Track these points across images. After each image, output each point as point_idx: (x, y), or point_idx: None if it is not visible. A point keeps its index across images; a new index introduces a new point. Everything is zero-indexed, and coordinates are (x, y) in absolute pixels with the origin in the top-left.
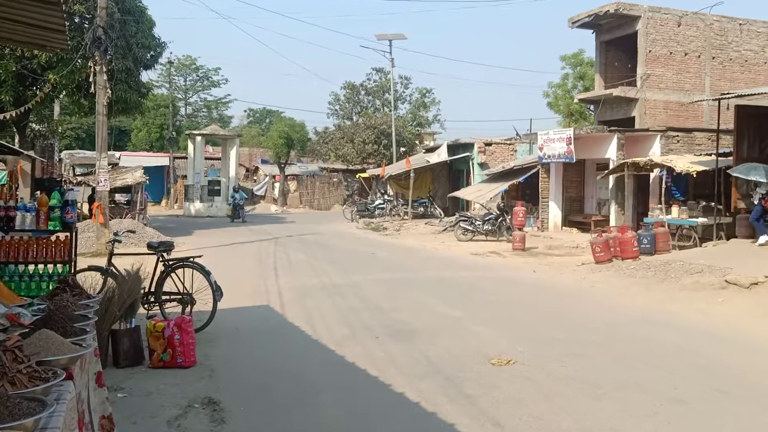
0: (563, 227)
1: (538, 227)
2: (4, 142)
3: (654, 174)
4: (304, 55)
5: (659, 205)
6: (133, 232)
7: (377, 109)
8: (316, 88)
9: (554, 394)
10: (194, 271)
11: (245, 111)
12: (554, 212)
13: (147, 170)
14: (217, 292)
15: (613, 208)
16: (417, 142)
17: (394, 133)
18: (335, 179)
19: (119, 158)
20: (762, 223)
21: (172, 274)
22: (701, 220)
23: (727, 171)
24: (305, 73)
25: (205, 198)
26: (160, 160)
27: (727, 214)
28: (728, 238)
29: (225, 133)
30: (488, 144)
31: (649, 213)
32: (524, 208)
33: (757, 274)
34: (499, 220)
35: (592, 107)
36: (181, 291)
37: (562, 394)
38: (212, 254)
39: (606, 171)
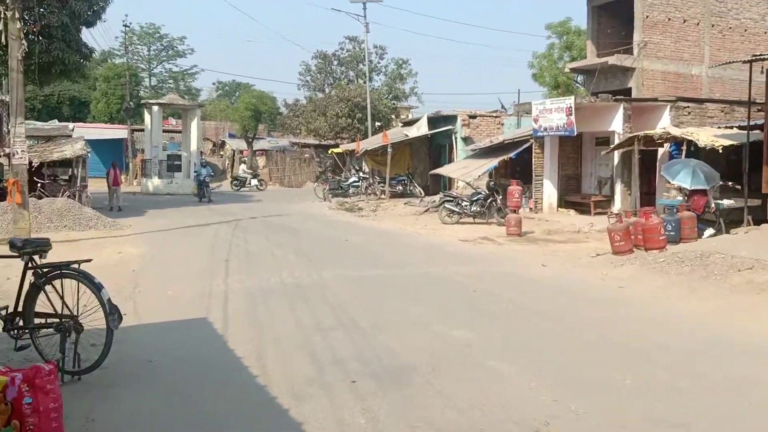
0: (559, 208)
1: (530, 208)
2: None
3: (663, 150)
4: (273, 20)
5: (674, 185)
6: None
7: (351, 80)
8: (287, 58)
9: None
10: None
11: (214, 84)
12: (549, 192)
13: (104, 144)
14: (112, 316)
15: (619, 188)
16: (393, 116)
17: (369, 106)
18: (307, 155)
19: (72, 130)
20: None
21: (48, 287)
22: (727, 202)
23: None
24: (275, 42)
25: (164, 174)
26: (118, 132)
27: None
28: (757, 223)
29: (185, 103)
30: (473, 117)
31: (663, 194)
32: (520, 187)
33: None
34: (489, 201)
35: (580, 79)
36: (61, 312)
37: None
38: (157, 241)
39: (612, 146)
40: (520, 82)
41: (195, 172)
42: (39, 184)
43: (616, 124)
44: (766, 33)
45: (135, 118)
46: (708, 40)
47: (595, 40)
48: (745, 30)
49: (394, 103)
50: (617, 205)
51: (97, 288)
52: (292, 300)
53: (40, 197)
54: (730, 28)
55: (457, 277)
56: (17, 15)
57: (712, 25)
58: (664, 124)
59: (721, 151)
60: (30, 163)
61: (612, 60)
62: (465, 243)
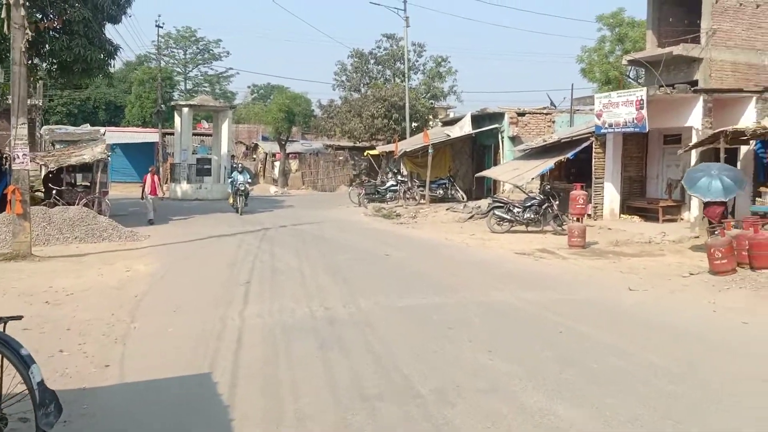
0: (621, 215)
1: (589, 215)
2: None
3: (748, 148)
4: (309, 16)
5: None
6: None
7: (387, 79)
8: (323, 58)
9: None
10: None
11: (249, 87)
12: (611, 196)
13: (136, 147)
14: (44, 409)
15: None
16: (431, 116)
17: (407, 105)
18: (341, 158)
19: (104, 134)
20: None
21: None
22: None
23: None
24: (311, 41)
25: (193, 178)
26: (149, 136)
27: None
28: None
29: (216, 105)
30: (521, 114)
31: (757, 200)
32: (585, 192)
33: None
34: (544, 207)
35: (633, 74)
36: None
37: None
38: (173, 255)
39: (692, 143)
40: (569, 78)
41: (230, 178)
42: (54, 191)
43: (694, 119)
44: None
45: (168, 122)
46: None
47: (656, 29)
48: None
49: (431, 103)
50: (692, 212)
51: (24, 364)
52: (323, 345)
53: (54, 205)
54: None
55: (530, 308)
56: (21, 1)
57: None
58: (749, 118)
59: None
60: (47, 168)
61: (677, 50)
62: (523, 257)
